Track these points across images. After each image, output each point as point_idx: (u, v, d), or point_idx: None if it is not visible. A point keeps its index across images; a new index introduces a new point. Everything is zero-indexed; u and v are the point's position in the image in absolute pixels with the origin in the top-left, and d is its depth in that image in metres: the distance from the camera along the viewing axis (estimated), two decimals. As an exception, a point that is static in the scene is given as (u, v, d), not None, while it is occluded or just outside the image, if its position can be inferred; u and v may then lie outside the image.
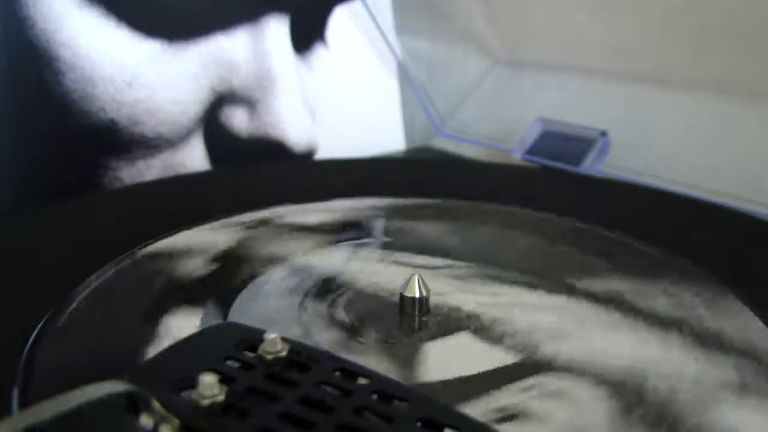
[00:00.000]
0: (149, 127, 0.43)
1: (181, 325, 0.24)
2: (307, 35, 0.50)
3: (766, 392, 0.21)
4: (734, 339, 0.24)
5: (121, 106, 0.42)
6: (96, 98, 0.41)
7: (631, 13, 0.44)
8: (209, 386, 0.17)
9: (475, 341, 0.24)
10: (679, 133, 0.44)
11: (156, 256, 0.30)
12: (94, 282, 0.27)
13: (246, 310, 0.26)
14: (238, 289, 0.27)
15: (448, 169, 0.47)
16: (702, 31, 0.41)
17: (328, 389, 0.18)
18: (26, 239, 0.32)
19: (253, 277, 0.28)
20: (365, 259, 0.31)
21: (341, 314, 0.26)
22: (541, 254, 0.32)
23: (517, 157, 0.49)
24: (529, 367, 0.22)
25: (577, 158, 0.45)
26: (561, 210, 0.36)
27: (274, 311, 0.26)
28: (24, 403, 0.20)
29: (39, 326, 0.24)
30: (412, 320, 0.25)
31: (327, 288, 0.28)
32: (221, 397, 0.17)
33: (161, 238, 0.31)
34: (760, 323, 0.25)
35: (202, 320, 0.25)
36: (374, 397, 0.18)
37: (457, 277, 0.29)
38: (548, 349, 0.24)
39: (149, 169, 0.43)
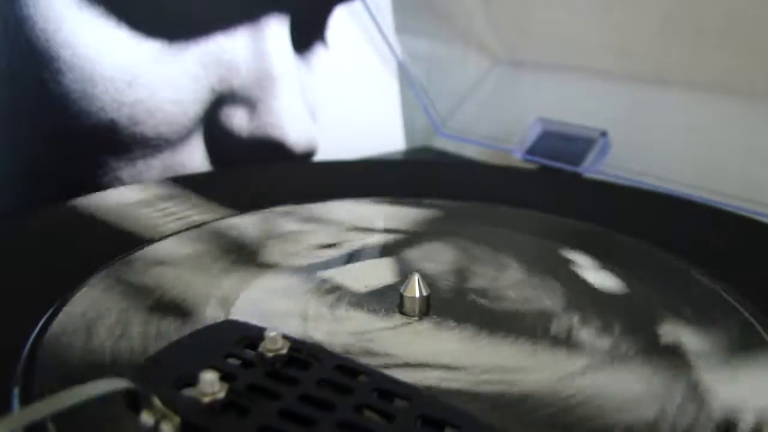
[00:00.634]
0: (149, 127, 0.43)
1: (182, 323, 0.24)
2: (307, 35, 0.50)
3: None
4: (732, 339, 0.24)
5: (121, 106, 0.42)
6: (96, 98, 0.41)
7: (631, 13, 0.44)
8: (210, 384, 0.17)
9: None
10: (679, 133, 0.44)
11: (156, 255, 0.30)
12: (93, 282, 0.27)
13: (247, 309, 0.26)
14: (239, 288, 0.27)
15: (448, 169, 0.47)
16: (702, 31, 0.41)
17: (329, 387, 0.18)
18: (26, 239, 0.32)
19: (253, 276, 0.28)
20: (365, 259, 0.31)
21: (342, 313, 0.26)
22: (541, 252, 0.32)
23: (517, 157, 0.49)
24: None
25: (577, 158, 0.45)
26: (561, 210, 0.36)
27: (275, 310, 0.26)
28: (24, 402, 0.20)
29: (39, 326, 0.24)
30: (413, 320, 0.25)
31: (327, 287, 0.28)
32: (222, 395, 0.17)
33: (161, 238, 0.31)
34: (759, 324, 0.25)
35: (203, 318, 0.25)
36: (375, 394, 0.18)
37: (456, 277, 0.29)
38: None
39: (149, 169, 0.43)
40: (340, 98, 0.53)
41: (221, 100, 0.46)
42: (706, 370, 0.22)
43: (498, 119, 0.53)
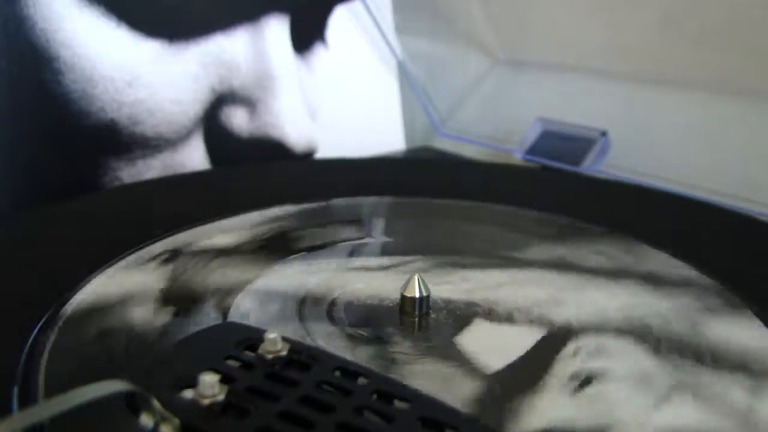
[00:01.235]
0: (149, 127, 0.43)
1: (182, 324, 0.24)
2: (307, 35, 0.50)
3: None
4: (734, 339, 0.24)
5: (121, 106, 0.42)
6: (96, 98, 0.41)
7: (631, 13, 0.44)
8: (209, 386, 0.17)
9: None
10: (679, 133, 0.44)
11: (157, 255, 0.30)
12: (93, 282, 0.27)
13: (246, 310, 0.26)
14: (239, 289, 0.27)
15: (448, 169, 0.47)
16: (702, 31, 0.41)
17: (329, 389, 0.18)
18: (26, 239, 0.32)
19: (253, 276, 0.28)
20: (365, 259, 0.31)
21: (341, 314, 0.26)
22: (539, 252, 0.32)
23: (517, 157, 0.49)
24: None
25: (577, 158, 0.45)
26: (561, 210, 0.36)
27: (274, 311, 0.26)
28: (24, 403, 0.20)
29: (39, 326, 0.24)
30: (413, 320, 0.25)
31: (327, 287, 0.28)
32: (221, 397, 0.17)
33: (162, 238, 0.31)
34: (761, 324, 0.25)
35: (203, 320, 0.25)
36: (374, 396, 0.18)
37: (456, 276, 0.29)
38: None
39: (149, 169, 0.43)
40: (340, 98, 0.53)
41: (221, 100, 0.46)
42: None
43: (498, 119, 0.53)
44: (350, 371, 0.18)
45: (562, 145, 0.47)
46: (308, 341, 0.23)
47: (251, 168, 0.45)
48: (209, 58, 0.45)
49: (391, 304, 0.26)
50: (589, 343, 0.24)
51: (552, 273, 0.29)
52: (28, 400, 0.20)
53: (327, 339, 0.24)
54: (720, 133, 0.43)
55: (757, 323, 0.25)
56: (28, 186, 0.40)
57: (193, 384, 0.17)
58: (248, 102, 0.47)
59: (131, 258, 0.29)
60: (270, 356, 0.18)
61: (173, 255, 0.30)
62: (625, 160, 0.44)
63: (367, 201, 0.38)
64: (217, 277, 0.28)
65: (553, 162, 0.46)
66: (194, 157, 0.45)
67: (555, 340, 0.24)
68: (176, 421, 0.16)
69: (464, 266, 0.30)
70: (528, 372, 0.22)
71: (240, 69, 0.46)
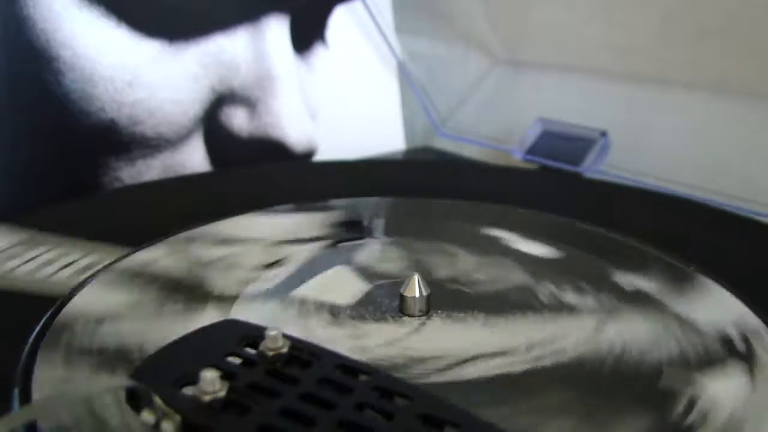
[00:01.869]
0: (149, 127, 0.43)
1: (183, 322, 0.24)
2: (307, 35, 0.50)
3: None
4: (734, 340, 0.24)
5: (121, 106, 0.42)
6: (96, 98, 0.41)
7: (631, 13, 0.44)
8: (211, 382, 0.17)
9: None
10: (679, 133, 0.44)
11: (157, 255, 0.30)
12: (94, 281, 0.27)
13: (247, 308, 0.26)
14: (240, 287, 0.27)
15: (448, 169, 0.47)
16: (702, 32, 0.41)
17: (329, 386, 0.18)
18: (26, 239, 0.32)
19: (254, 275, 0.28)
20: (365, 259, 0.31)
21: (342, 313, 0.26)
22: (538, 251, 0.32)
23: (517, 157, 0.49)
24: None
25: (577, 158, 0.45)
26: (561, 210, 0.36)
27: (275, 309, 0.26)
28: (24, 402, 0.20)
29: (39, 326, 0.24)
30: (413, 319, 0.25)
31: (327, 287, 0.28)
32: (222, 393, 0.17)
33: (162, 238, 0.31)
34: (761, 323, 0.25)
35: (204, 317, 0.25)
36: (375, 393, 0.18)
37: (456, 275, 0.29)
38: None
39: (149, 169, 0.43)
40: (340, 98, 0.53)
41: (221, 100, 0.46)
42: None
43: (498, 119, 0.53)
44: (351, 368, 0.18)
45: (562, 145, 0.47)
46: (309, 339, 0.23)
47: (251, 168, 0.45)
48: (209, 58, 0.45)
49: (392, 304, 0.26)
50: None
51: (551, 272, 0.29)
52: (28, 400, 0.20)
53: (328, 337, 0.24)
54: (720, 133, 0.43)
55: (759, 324, 0.25)
56: (28, 186, 0.40)
57: (194, 380, 0.17)
58: (248, 102, 0.47)
59: (131, 258, 0.29)
60: (271, 353, 0.18)
61: (173, 256, 0.30)
62: (625, 160, 0.44)
63: (367, 201, 0.38)
64: (218, 277, 0.28)
65: (553, 162, 0.46)
66: (194, 157, 0.45)
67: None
68: (177, 417, 0.16)
69: (464, 266, 0.30)
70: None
71: (240, 69, 0.46)
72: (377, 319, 0.25)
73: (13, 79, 0.38)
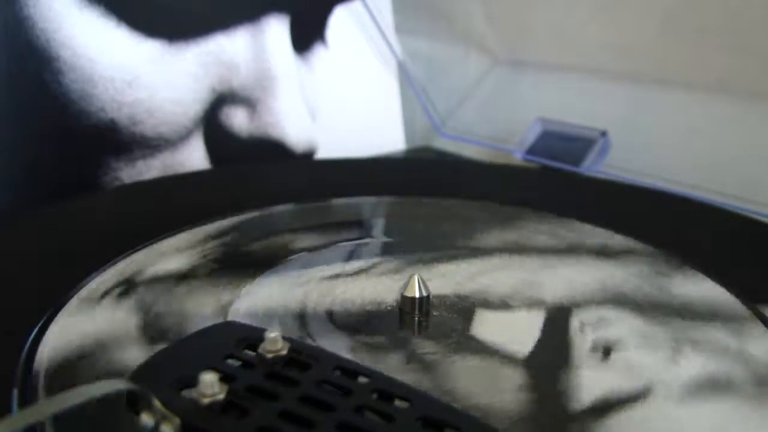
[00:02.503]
0: (149, 127, 0.43)
1: (182, 323, 0.24)
2: (307, 35, 0.50)
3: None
4: (734, 340, 0.24)
5: (121, 106, 0.42)
6: (96, 98, 0.41)
7: (631, 13, 0.44)
8: (210, 385, 0.17)
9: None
10: (679, 133, 0.44)
11: (157, 255, 0.30)
12: (94, 281, 0.27)
13: (246, 310, 0.26)
14: (239, 288, 0.27)
15: (448, 169, 0.47)
16: (702, 31, 0.41)
17: (329, 388, 0.18)
18: (26, 239, 0.32)
19: (253, 276, 0.28)
20: (365, 260, 0.31)
21: (341, 313, 0.26)
22: (538, 251, 0.32)
23: (517, 157, 0.49)
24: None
25: (577, 158, 0.45)
26: (561, 210, 0.36)
27: (275, 310, 0.26)
28: (24, 403, 0.20)
29: (39, 326, 0.24)
30: (413, 319, 0.25)
31: (327, 287, 0.28)
32: (222, 396, 0.17)
33: (163, 238, 0.31)
34: (761, 323, 0.25)
35: (203, 319, 0.25)
36: (374, 395, 0.17)
37: (456, 275, 0.29)
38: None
39: (149, 169, 0.43)
40: (340, 98, 0.53)
41: (221, 100, 0.46)
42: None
43: (498, 119, 0.53)
44: (350, 370, 0.18)
45: (562, 145, 0.47)
46: (308, 341, 0.23)
47: (251, 168, 0.45)
48: (209, 58, 0.45)
49: (392, 304, 0.26)
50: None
51: (552, 273, 0.29)
52: (27, 401, 0.20)
53: (327, 339, 0.24)
54: (720, 133, 0.43)
55: (758, 323, 0.25)
56: (28, 186, 0.40)
57: (193, 383, 0.17)
58: (248, 102, 0.47)
59: (131, 258, 0.29)
60: (270, 355, 0.18)
61: (175, 254, 0.30)
62: (625, 160, 0.44)
63: (367, 201, 0.38)
64: (219, 276, 0.28)
65: (553, 162, 0.46)
66: (194, 157, 0.45)
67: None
68: (176, 420, 0.16)
69: (464, 266, 0.30)
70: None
71: (240, 69, 0.46)
72: (377, 319, 0.25)
73: (13, 79, 0.38)
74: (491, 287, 0.28)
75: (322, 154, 0.51)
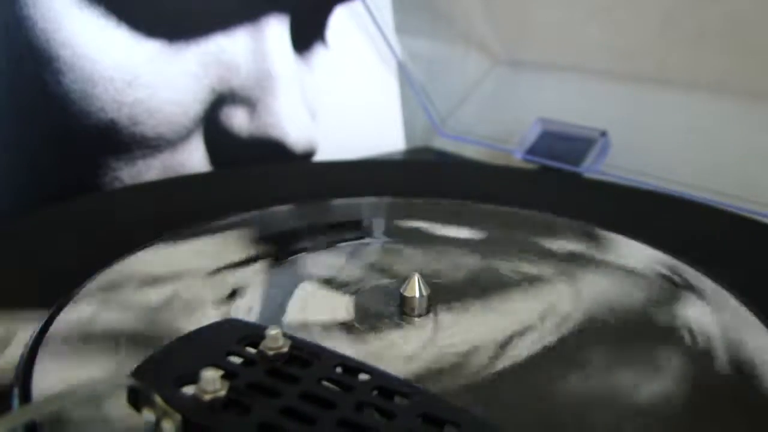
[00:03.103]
0: (149, 127, 0.43)
1: (183, 322, 0.24)
2: (307, 35, 0.50)
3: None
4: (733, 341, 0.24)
5: (121, 106, 0.42)
6: (96, 98, 0.41)
7: (631, 13, 0.44)
8: (211, 381, 0.17)
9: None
10: (679, 133, 0.44)
11: (157, 255, 0.30)
12: (94, 282, 0.27)
13: (247, 308, 0.26)
14: (239, 287, 0.27)
15: (448, 169, 0.47)
16: (702, 31, 0.41)
17: (330, 385, 0.18)
18: (26, 239, 0.32)
19: (253, 276, 0.28)
20: (365, 259, 0.31)
21: (342, 313, 0.26)
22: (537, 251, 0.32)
23: (517, 157, 0.49)
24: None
25: (577, 158, 0.45)
26: (561, 210, 0.36)
27: (275, 309, 0.26)
28: (24, 402, 0.20)
29: (39, 326, 0.24)
30: (414, 319, 0.25)
31: (327, 287, 0.28)
32: (223, 393, 0.17)
33: (163, 238, 0.31)
34: (761, 324, 0.25)
35: (205, 317, 0.25)
36: (375, 393, 0.17)
37: (456, 275, 0.29)
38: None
39: (149, 169, 0.43)
40: (340, 98, 0.53)
41: (221, 100, 0.46)
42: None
43: (498, 119, 0.53)
44: (351, 368, 0.18)
45: (562, 146, 0.47)
46: (309, 339, 0.23)
47: (251, 168, 0.45)
48: (209, 58, 0.45)
49: (392, 304, 0.26)
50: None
51: (551, 270, 0.29)
52: (27, 399, 0.20)
53: (327, 338, 0.24)
54: (720, 133, 0.43)
55: (758, 324, 0.25)
56: (28, 186, 0.40)
57: (194, 380, 0.17)
58: (248, 102, 0.47)
59: (130, 258, 0.29)
60: (271, 352, 0.18)
61: (175, 254, 0.30)
62: (625, 160, 0.44)
63: (367, 201, 0.38)
64: (219, 276, 0.28)
65: (553, 162, 0.46)
66: (194, 157, 0.45)
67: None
68: (178, 416, 0.16)
69: (465, 265, 0.30)
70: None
71: (240, 69, 0.46)
72: (378, 319, 0.25)
73: (13, 79, 0.38)
74: (492, 285, 0.28)
75: (322, 154, 0.51)
